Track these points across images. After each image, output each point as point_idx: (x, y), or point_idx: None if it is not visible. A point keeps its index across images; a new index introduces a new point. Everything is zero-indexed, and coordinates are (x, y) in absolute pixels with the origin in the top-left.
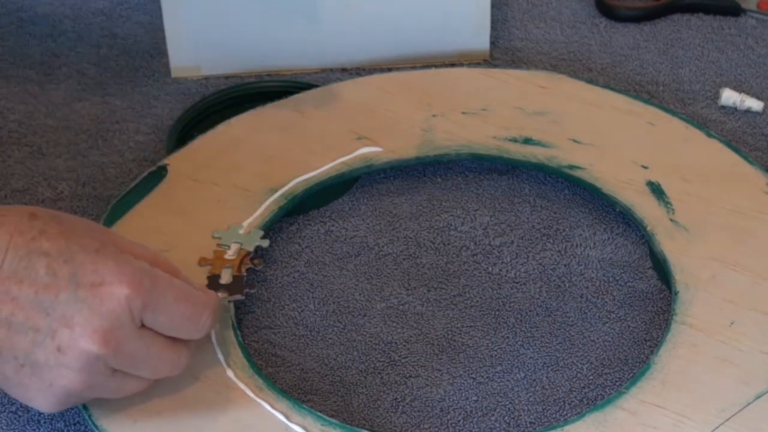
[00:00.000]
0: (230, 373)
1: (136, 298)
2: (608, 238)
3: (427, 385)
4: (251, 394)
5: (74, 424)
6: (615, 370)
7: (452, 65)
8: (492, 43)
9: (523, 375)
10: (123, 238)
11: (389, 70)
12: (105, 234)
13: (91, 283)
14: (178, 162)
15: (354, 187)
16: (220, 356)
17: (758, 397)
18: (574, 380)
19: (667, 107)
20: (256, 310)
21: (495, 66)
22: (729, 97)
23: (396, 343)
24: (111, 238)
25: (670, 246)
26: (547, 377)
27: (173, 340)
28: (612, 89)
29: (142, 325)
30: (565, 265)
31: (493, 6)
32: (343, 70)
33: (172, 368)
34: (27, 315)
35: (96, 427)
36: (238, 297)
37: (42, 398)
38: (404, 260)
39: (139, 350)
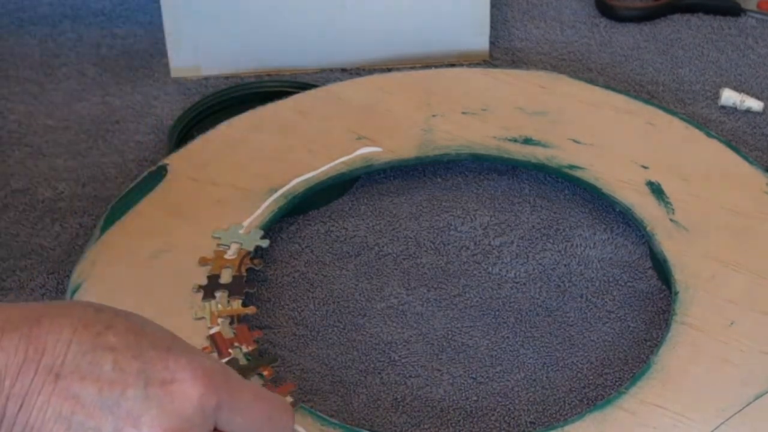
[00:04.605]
0: None
1: (210, 398)
2: (608, 238)
3: (427, 385)
4: None
5: None
6: (615, 370)
7: (452, 65)
8: (492, 43)
9: (522, 375)
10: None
11: (389, 70)
12: (173, 334)
13: (161, 380)
14: (178, 162)
15: (354, 187)
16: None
17: (758, 397)
18: (574, 380)
19: (667, 107)
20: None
21: (495, 66)
22: (729, 97)
23: (396, 343)
24: (180, 339)
25: (670, 246)
26: (547, 377)
27: None
28: (612, 89)
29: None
30: (565, 265)
31: (493, 6)
32: (343, 70)
33: None
34: (89, 414)
35: None
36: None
37: None
38: (404, 260)
39: None
